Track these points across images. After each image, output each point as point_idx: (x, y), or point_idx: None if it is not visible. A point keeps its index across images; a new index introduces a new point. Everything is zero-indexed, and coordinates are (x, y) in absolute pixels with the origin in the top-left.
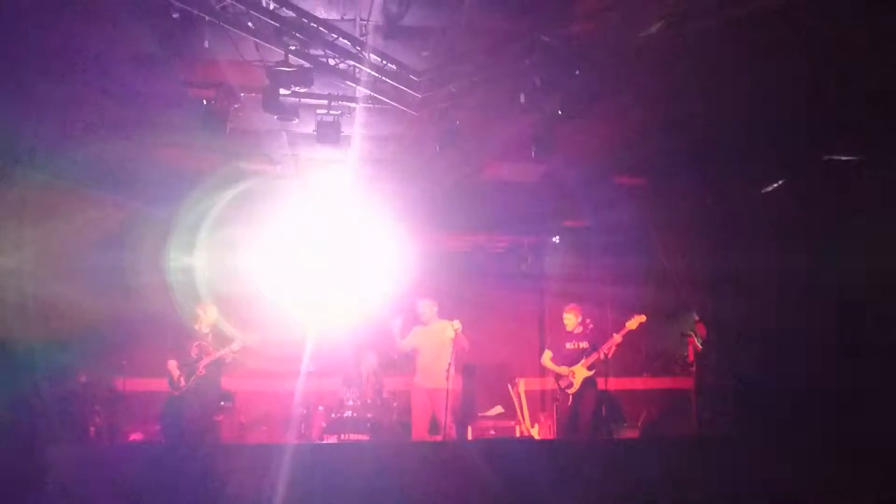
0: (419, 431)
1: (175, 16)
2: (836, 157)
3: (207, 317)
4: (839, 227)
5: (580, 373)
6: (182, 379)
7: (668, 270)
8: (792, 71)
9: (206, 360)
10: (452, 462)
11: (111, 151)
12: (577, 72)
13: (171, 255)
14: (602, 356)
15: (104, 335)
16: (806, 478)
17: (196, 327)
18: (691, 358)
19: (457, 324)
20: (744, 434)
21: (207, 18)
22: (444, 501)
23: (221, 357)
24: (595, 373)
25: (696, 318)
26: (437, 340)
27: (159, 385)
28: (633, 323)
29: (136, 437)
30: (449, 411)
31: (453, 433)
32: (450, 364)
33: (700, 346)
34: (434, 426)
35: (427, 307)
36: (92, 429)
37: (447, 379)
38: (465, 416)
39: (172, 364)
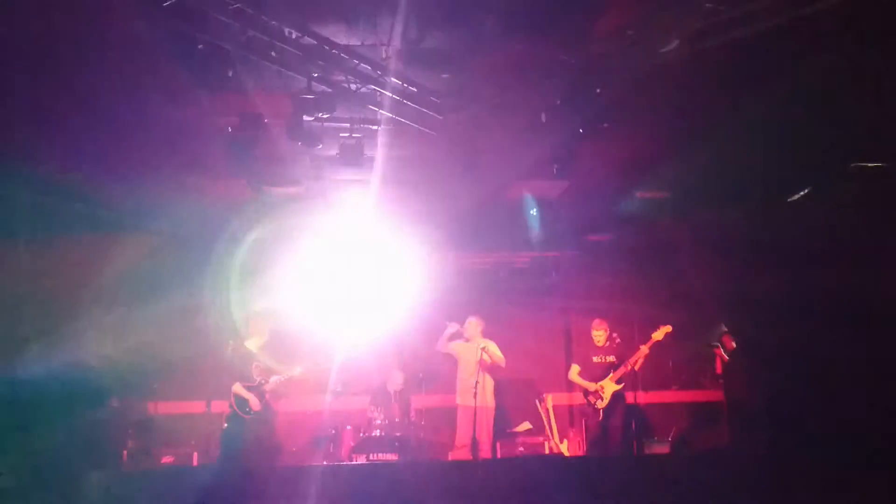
0: (460, 449)
1: (200, 47)
2: (864, 165)
3: (259, 337)
4: (872, 238)
5: (609, 387)
6: (257, 401)
7: (694, 284)
8: (813, 80)
9: (273, 383)
10: (483, 482)
11: (140, 180)
12: (598, 90)
13: (203, 280)
14: (630, 368)
15: (136, 360)
16: (837, 494)
17: (248, 346)
18: (719, 370)
19: (485, 342)
20: (774, 449)
21: (232, 49)
22: None
23: (289, 378)
24: (624, 387)
25: (724, 329)
26: (470, 358)
27: (191, 408)
28: (660, 334)
29: (168, 459)
30: (481, 429)
31: (486, 452)
32: (476, 382)
33: (727, 358)
34: (474, 443)
35: (473, 325)
36: (125, 452)
37: (474, 396)
38: (496, 432)
39: (239, 387)
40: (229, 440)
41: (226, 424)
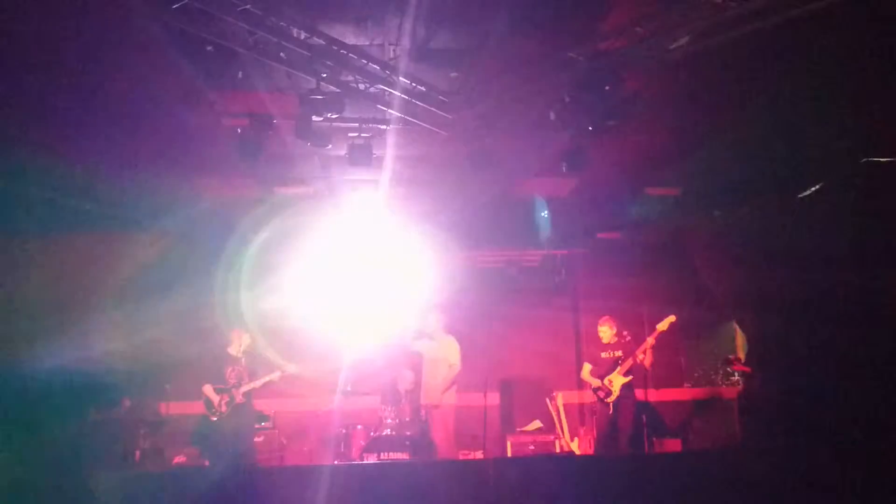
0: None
1: (209, 48)
2: (876, 160)
3: (242, 342)
4: (885, 234)
5: (617, 380)
6: (223, 404)
7: (705, 281)
8: (824, 74)
9: (245, 388)
10: (494, 481)
11: (150, 180)
12: (607, 87)
13: (211, 280)
14: (637, 360)
15: (148, 360)
16: (851, 492)
17: (230, 352)
18: (739, 364)
19: (448, 339)
20: (787, 446)
21: (241, 50)
22: None
23: (262, 385)
24: (633, 379)
25: (735, 327)
26: (435, 356)
27: (202, 408)
28: (664, 324)
29: (180, 459)
30: (440, 429)
31: (446, 453)
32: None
33: (743, 357)
34: (430, 445)
35: (434, 320)
36: (137, 452)
37: (441, 395)
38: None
39: (209, 388)
40: (199, 441)
41: (202, 426)
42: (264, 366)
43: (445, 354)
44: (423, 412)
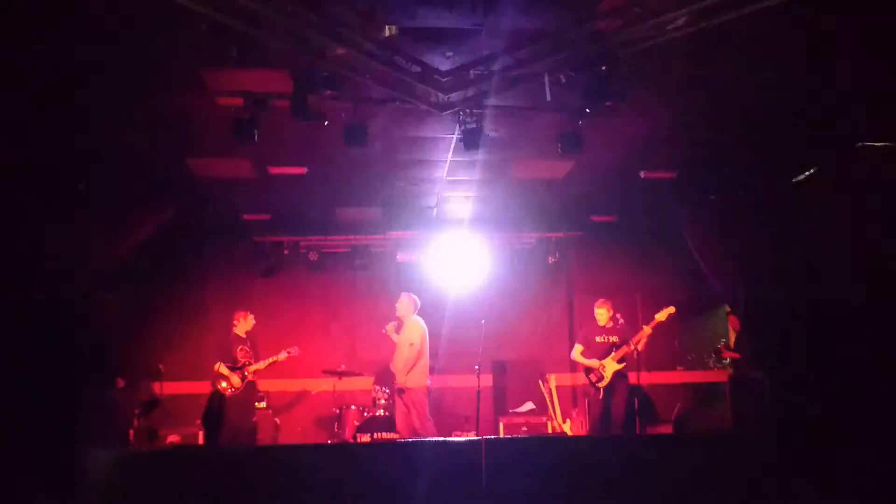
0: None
1: (203, 27)
2: (869, 144)
3: (247, 323)
4: (880, 219)
5: (610, 366)
6: (239, 381)
7: (699, 265)
8: (820, 57)
9: (255, 367)
10: (487, 461)
11: (148, 161)
12: (604, 68)
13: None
14: (633, 348)
15: (142, 339)
16: (841, 474)
17: (236, 332)
18: (732, 345)
19: (415, 321)
20: (776, 431)
21: (235, 28)
22: (476, 499)
23: (268, 365)
24: (626, 366)
25: (728, 310)
26: (401, 339)
27: (196, 388)
28: (663, 315)
29: (173, 439)
30: (412, 411)
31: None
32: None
33: (733, 342)
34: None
35: (402, 303)
36: (131, 432)
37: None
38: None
39: (222, 366)
40: (209, 417)
41: (212, 403)
42: (266, 346)
43: (409, 336)
44: (395, 395)
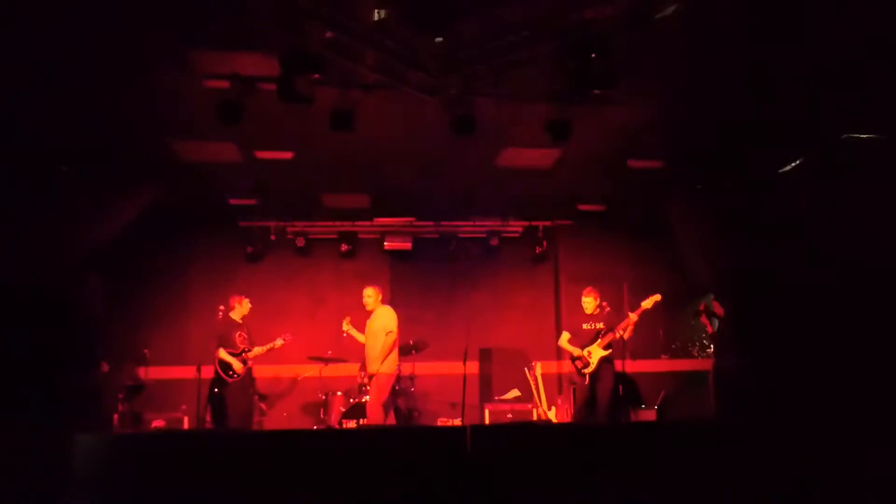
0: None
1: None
2: (855, 136)
3: (243, 308)
4: (864, 209)
5: (596, 353)
6: (241, 366)
7: (685, 254)
8: (808, 47)
9: (255, 351)
10: (471, 448)
11: (132, 143)
12: (592, 56)
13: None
14: (618, 336)
15: (127, 324)
16: (824, 464)
17: (233, 317)
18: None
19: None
20: (760, 417)
21: (220, 9)
22: (461, 487)
23: (265, 351)
24: (612, 353)
25: (713, 297)
26: (373, 328)
27: (180, 372)
28: (649, 302)
29: (158, 423)
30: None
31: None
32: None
33: (713, 328)
34: (385, 410)
35: (369, 295)
36: (115, 416)
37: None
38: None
39: (224, 352)
40: (214, 403)
41: (214, 389)
42: (253, 332)
43: (382, 324)
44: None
